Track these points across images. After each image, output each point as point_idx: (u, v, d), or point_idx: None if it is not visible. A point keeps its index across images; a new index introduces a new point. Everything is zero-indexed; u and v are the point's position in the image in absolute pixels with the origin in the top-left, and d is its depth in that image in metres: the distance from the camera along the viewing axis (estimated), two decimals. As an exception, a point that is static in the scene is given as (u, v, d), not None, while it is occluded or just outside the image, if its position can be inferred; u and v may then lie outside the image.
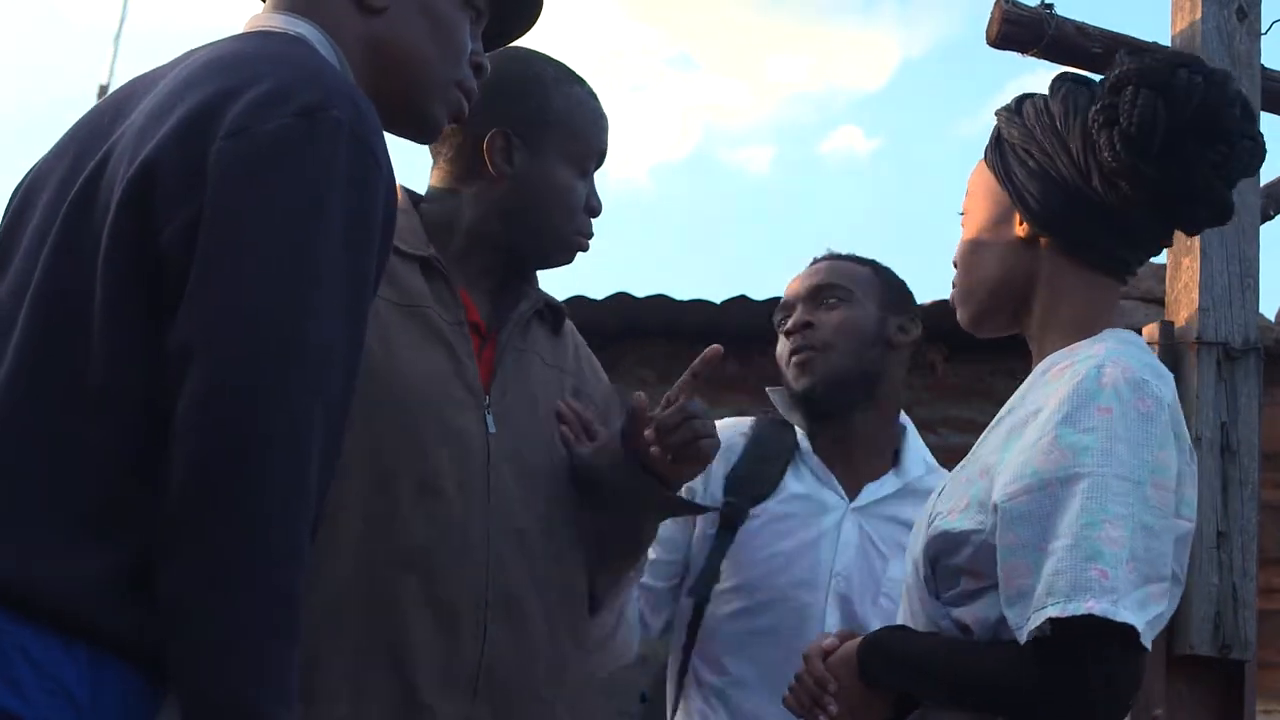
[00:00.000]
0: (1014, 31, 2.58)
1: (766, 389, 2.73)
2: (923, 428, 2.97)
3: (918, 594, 1.91)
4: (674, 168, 28.89)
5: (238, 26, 1.69)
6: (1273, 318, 6.09)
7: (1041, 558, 1.71)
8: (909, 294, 2.76)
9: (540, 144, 2.14)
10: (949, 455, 2.44)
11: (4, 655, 1.38)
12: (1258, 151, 1.91)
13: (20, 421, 1.46)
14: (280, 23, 1.64)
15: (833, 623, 2.56)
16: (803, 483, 2.67)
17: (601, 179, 2.20)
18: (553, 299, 2.23)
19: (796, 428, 2.70)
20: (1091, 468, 1.72)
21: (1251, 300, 2.56)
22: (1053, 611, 1.68)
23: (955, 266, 2.03)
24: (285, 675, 1.40)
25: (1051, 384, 1.83)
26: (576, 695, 2.10)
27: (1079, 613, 1.67)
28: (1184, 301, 2.57)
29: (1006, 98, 2.01)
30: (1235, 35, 2.62)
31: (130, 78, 1.68)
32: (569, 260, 2.21)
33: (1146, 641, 1.70)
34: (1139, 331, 2.09)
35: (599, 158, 2.20)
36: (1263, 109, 2.64)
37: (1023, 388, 1.92)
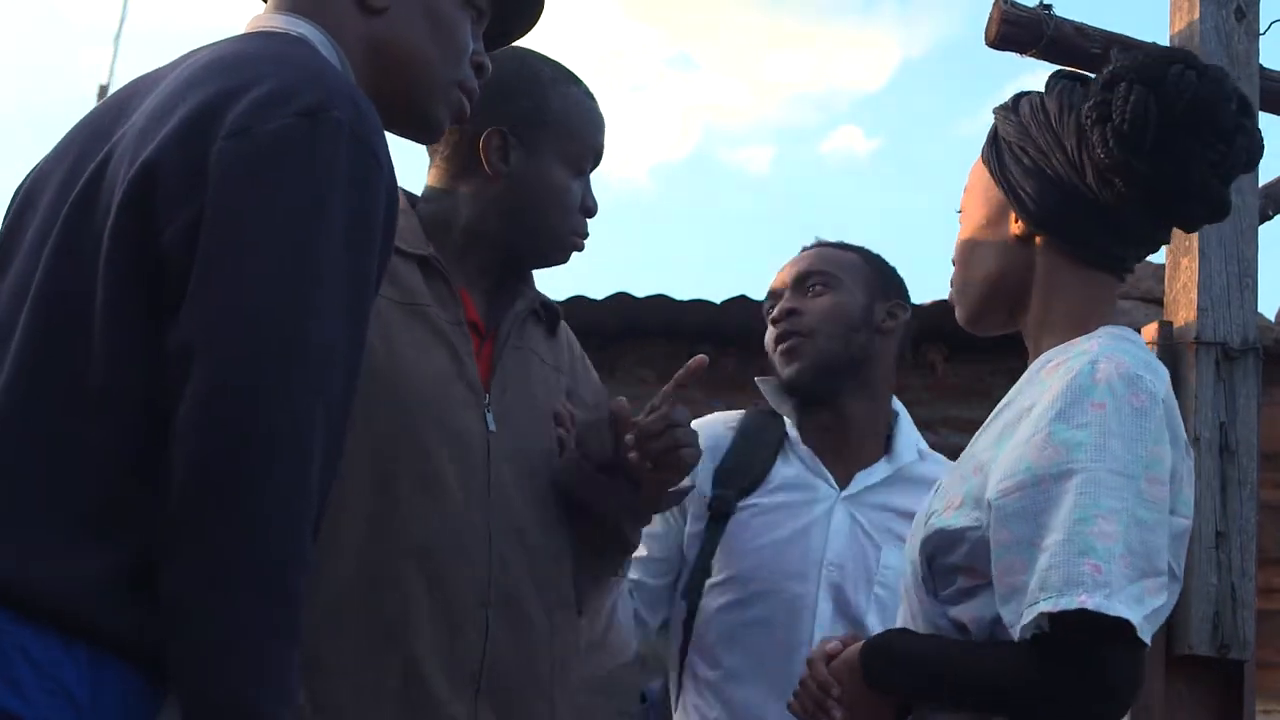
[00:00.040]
0: (1013, 32, 2.58)
1: (755, 379, 2.72)
2: (923, 428, 2.96)
3: (917, 594, 1.90)
4: (674, 168, 28.88)
5: (238, 26, 1.70)
6: (1272, 318, 6.09)
7: (1035, 554, 1.70)
8: (899, 280, 2.74)
9: (537, 144, 2.14)
10: (949, 455, 2.44)
11: (4, 655, 1.38)
12: (1255, 147, 1.90)
13: (21, 422, 1.46)
14: (282, 23, 1.65)
15: (825, 613, 2.55)
16: (792, 472, 2.66)
17: (601, 179, 2.21)
18: (548, 299, 2.23)
19: (785, 418, 2.69)
20: (1085, 463, 1.71)
21: (1250, 300, 2.56)
22: (1045, 606, 1.67)
23: (954, 264, 2.03)
24: (285, 675, 1.40)
25: (1045, 380, 1.83)
26: (577, 693, 2.10)
27: (1071, 607, 1.65)
28: (1183, 301, 2.56)
29: (1005, 98, 2.00)
30: (1234, 35, 2.61)
31: (130, 78, 1.68)
32: (564, 260, 2.21)
33: (1145, 636, 1.69)
34: (1138, 331, 2.09)
35: (595, 158, 2.21)
36: (1261, 109, 2.63)
37: (1018, 384, 1.91)
